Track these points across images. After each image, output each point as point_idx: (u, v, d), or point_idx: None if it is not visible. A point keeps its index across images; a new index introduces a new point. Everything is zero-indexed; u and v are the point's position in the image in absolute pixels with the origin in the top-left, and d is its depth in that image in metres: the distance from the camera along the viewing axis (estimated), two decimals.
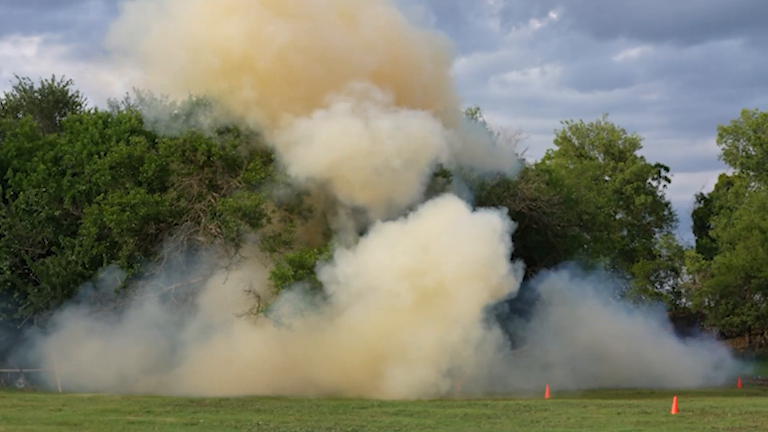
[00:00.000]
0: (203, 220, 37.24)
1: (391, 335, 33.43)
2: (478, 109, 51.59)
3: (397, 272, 33.58)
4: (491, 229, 34.26)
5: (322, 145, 35.55)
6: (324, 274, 34.08)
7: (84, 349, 36.19)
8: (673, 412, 27.39)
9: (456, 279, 33.44)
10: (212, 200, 37.70)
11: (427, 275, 33.46)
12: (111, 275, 37.47)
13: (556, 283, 39.99)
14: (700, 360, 43.07)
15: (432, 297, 33.57)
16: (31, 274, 38.96)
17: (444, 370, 33.39)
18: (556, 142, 64.14)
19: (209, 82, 38.10)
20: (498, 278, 33.79)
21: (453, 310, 33.31)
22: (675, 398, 29.52)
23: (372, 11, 40.08)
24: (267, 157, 37.46)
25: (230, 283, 35.97)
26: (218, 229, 36.47)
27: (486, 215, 34.91)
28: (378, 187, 35.79)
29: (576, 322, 39.32)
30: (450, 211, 35.14)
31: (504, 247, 34.26)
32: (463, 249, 33.61)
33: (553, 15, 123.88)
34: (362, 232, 35.27)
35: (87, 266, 38.19)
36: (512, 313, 36.52)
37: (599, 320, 40.60)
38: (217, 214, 36.48)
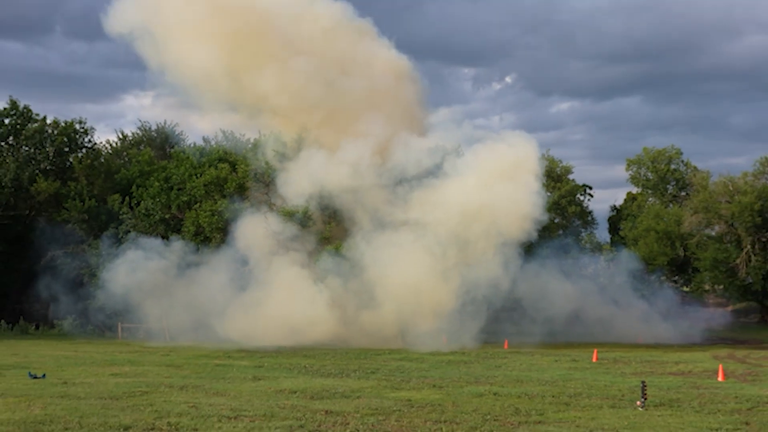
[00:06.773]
0: (267, 222, 36.93)
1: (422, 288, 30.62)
2: (459, 145, 51.09)
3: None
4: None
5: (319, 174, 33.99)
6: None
7: (175, 306, 35.41)
8: (594, 360, 27.25)
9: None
10: (272, 207, 37.50)
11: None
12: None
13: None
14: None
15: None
16: None
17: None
18: None
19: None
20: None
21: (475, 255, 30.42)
22: (595, 350, 29.29)
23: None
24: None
25: (289, 262, 35.33)
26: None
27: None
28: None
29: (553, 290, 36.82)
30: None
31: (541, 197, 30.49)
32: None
33: (508, 79, 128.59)
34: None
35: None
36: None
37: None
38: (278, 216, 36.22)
